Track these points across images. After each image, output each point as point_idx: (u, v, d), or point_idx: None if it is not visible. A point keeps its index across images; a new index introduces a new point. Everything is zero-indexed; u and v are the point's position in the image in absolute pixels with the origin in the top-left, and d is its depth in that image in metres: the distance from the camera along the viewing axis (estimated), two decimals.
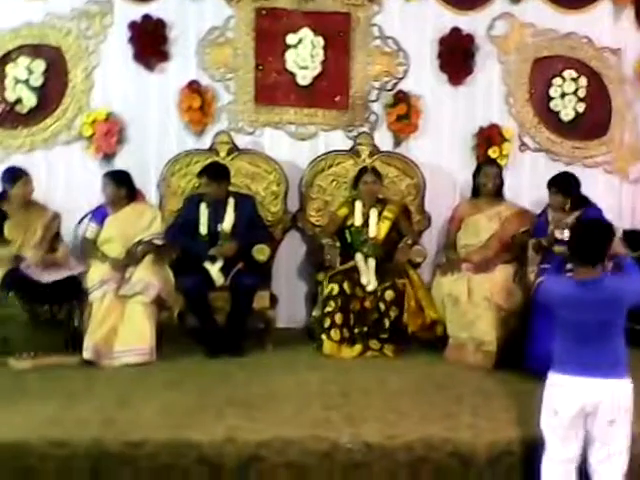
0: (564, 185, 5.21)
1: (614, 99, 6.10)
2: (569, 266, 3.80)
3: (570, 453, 3.45)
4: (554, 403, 3.45)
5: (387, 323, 5.20)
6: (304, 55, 5.88)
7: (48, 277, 4.90)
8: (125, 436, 3.76)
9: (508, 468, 3.80)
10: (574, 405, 3.37)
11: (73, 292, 5.01)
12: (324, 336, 5.18)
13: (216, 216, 5.37)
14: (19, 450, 3.66)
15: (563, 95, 6.03)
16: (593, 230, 3.47)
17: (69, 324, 5.00)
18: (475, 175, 5.60)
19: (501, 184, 5.56)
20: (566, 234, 4.66)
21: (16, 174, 5.13)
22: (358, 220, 5.52)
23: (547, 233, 5.15)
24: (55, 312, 4.93)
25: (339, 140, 6.00)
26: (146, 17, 5.76)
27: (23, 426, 3.82)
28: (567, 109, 6.04)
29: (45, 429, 3.79)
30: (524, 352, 4.83)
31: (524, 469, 3.78)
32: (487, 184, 5.51)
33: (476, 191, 5.60)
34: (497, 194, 5.55)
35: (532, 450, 3.72)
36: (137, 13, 5.78)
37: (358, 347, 5.18)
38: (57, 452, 3.67)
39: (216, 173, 5.39)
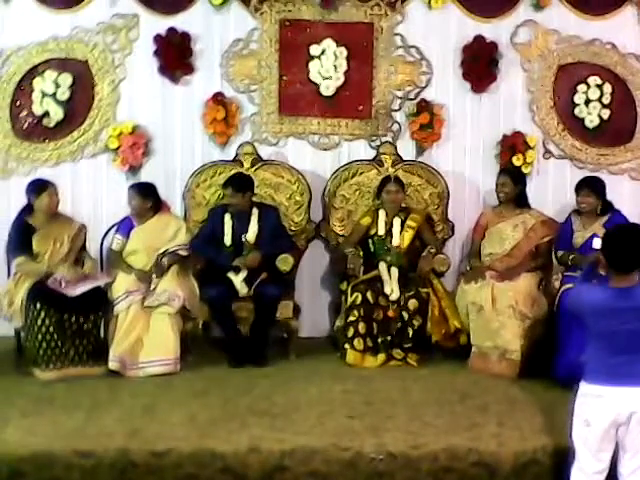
0: (597, 186, 5.21)
1: (639, 105, 6.05)
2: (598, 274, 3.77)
3: (601, 465, 3.40)
4: (586, 414, 3.39)
5: (410, 332, 5.19)
6: (327, 66, 5.89)
7: (74, 291, 4.93)
8: (150, 446, 3.79)
9: (534, 478, 3.79)
10: (607, 416, 3.32)
11: (99, 303, 5.05)
12: (347, 345, 5.18)
13: (240, 227, 5.40)
14: (45, 460, 3.70)
15: (588, 102, 5.98)
16: (629, 236, 3.37)
17: (95, 335, 5.03)
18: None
19: (520, 192, 5.52)
20: (597, 243, 4.63)
21: (40, 185, 5.17)
22: (381, 229, 5.52)
23: (571, 241, 5.18)
24: (81, 323, 4.95)
25: (362, 150, 6.00)
26: (171, 30, 5.81)
27: (49, 436, 3.87)
28: (592, 116, 5.98)
29: (71, 439, 3.84)
30: (550, 361, 4.81)
31: (551, 479, 3.76)
32: (499, 193, 5.51)
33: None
34: (520, 202, 5.51)
35: (559, 459, 3.72)
36: (162, 26, 5.82)
37: (381, 356, 5.17)
38: (83, 462, 3.71)
39: (240, 184, 5.42)
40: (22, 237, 5.11)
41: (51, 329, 4.84)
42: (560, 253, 5.28)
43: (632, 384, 3.30)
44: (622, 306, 3.29)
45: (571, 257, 5.09)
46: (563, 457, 3.65)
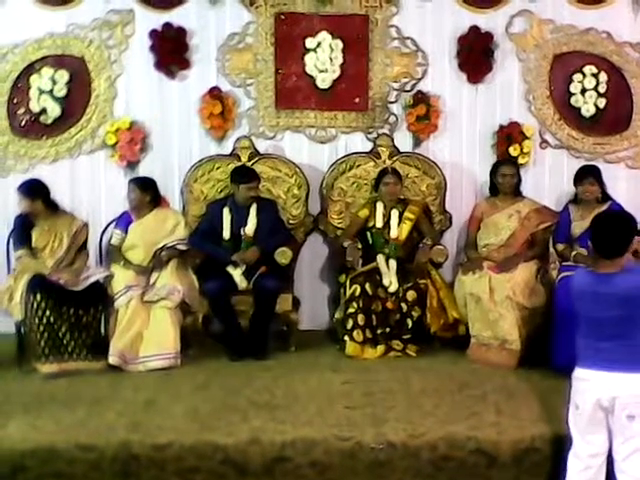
0: (599, 174, 5.23)
1: (635, 93, 6.04)
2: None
3: (593, 448, 3.45)
4: (575, 397, 3.46)
5: (409, 323, 5.22)
6: (323, 58, 5.89)
7: (74, 286, 4.98)
8: (152, 439, 3.81)
9: (533, 465, 3.81)
10: (591, 399, 3.37)
11: (98, 298, 5.07)
12: (347, 337, 5.19)
13: (239, 220, 5.41)
14: (48, 454, 3.72)
15: (583, 91, 5.98)
16: (614, 223, 3.44)
17: (95, 329, 5.06)
18: (492, 174, 5.59)
19: (518, 182, 5.55)
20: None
21: (24, 190, 5.18)
22: (379, 221, 5.53)
23: (569, 231, 5.22)
24: (80, 315, 4.97)
25: (359, 142, 6.01)
26: (167, 25, 5.82)
27: (51, 431, 3.89)
28: (588, 105, 5.98)
29: (73, 433, 3.86)
30: (548, 349, 4.82)
31: (550, 466, 3.78)
32: (504, 183, 5.49)
33: (493, 190, 5.60)
34: (515, 192, 5.53)
35: (558, 447, 3.74)
36: (158, 21, 5.84)
37: (381, 348, 5.19)
38: (85, 456, 3.73)
39: (254, 174, 5.46)
40: (22, 230, 5.16)
41: (51, 319, 4.86)
42: (561, 247, 5.29)
43: (614, 369, 3.34)
44: (603, 291, 3.34)
45: (574, 254, 5.09)
46: (561, 445, 3.68)
